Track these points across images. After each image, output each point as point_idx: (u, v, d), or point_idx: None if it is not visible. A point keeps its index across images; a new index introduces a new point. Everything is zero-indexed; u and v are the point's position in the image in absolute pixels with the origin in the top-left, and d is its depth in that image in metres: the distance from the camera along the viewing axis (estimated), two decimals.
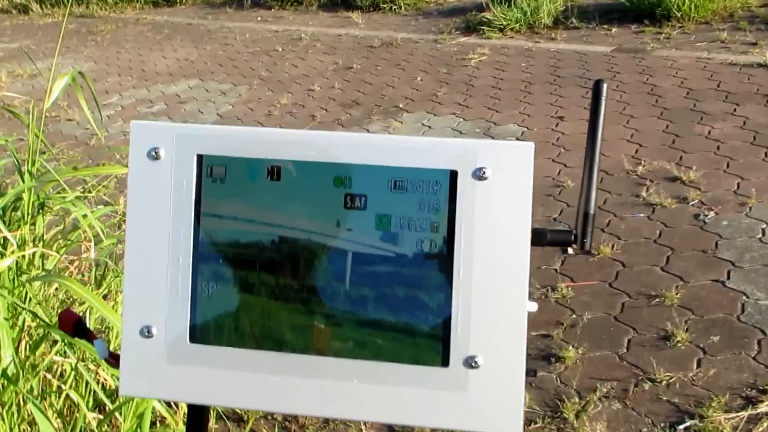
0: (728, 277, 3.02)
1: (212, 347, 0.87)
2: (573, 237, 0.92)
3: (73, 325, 0.97)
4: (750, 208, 3.50)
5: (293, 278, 0.85)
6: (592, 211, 0.92)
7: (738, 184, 3.74)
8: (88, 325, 0.98)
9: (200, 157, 0.87)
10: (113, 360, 0.93)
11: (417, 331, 0.83)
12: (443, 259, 0.83)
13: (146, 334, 0.87)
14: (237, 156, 0.86)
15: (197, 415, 0.97)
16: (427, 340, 0.83)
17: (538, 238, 0.88)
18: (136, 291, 0.88)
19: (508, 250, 0.82)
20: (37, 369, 2.03)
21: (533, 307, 0.84)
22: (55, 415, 2.03)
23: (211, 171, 0.86)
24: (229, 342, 0.86)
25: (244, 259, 0.86)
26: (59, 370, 2.13)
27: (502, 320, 0.82)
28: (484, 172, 0.82)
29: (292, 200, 0.85)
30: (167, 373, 0.87)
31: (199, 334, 0.87)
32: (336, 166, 0.84)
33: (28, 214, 2.39)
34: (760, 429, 2.23)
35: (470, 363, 0.82)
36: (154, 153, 0.87)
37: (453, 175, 0.83)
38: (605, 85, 0.93)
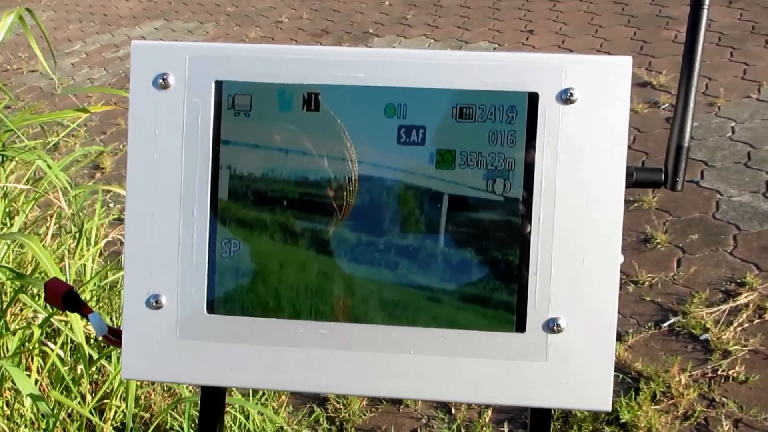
0: (702, 177, 3.11)
1: (234, 318, 0.73)
2: (663, 175, 0.76)
3: (63, 297, 0.81)
4: (719, 108, 3.59)
5: (335, 231, 0.71)
6: (686, 144, 0.74)
7: (706, 85, 3.82)
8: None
9: (219, 84, 0.72)
10: (113, 337, 0.79)
11: (486, 291, 0.70)
12: (520, 203, 0.69)
13: (154, 305, 0.73)
14: (265, 81, 0.71)
15: (213, 399, 0.81)
16: (499, 301, 0.70)
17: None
18: (141, 253, 0.73)
19: (598, 190, 0.68)
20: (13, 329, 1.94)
21: (621, 258, 0.71)
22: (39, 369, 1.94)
23: (232, 101, 0.71)
24: (256, 311, 0.72)
25: (274, 210, 0.71)
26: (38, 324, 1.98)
27: (589, 275, 0.69)
28: (571, 95, 0.68)
29: (333, 135, 0.70)
30: (180, 351, 0.73)
31: (219, 303, 0.73)
32: (388, 90, 0.70)
33: None
34: (740, 320, 2.32)
35: (551, 327, 0.70)
36: (161, 81, 0.72)
37: (532, 98, 0.68)
38: None
